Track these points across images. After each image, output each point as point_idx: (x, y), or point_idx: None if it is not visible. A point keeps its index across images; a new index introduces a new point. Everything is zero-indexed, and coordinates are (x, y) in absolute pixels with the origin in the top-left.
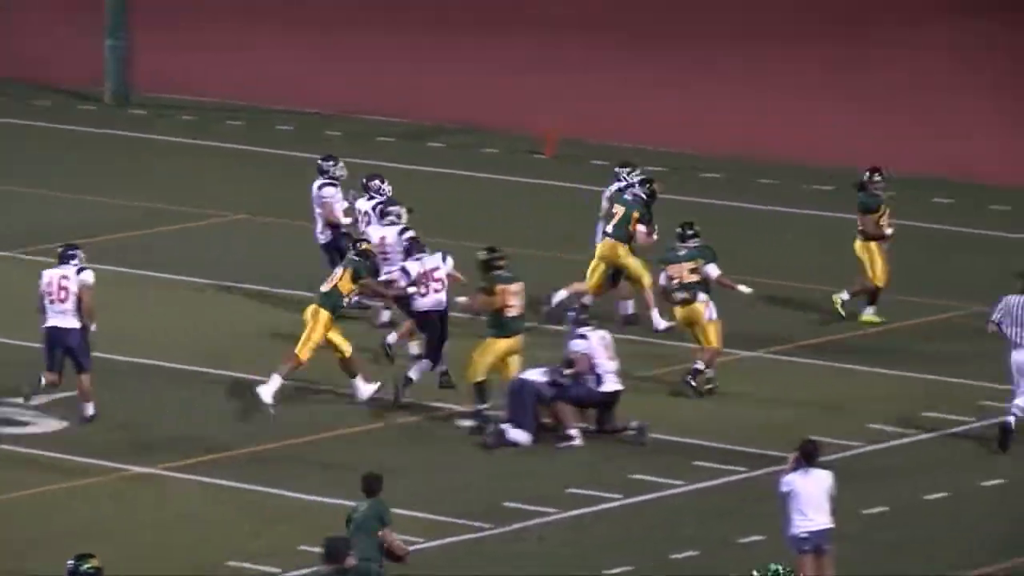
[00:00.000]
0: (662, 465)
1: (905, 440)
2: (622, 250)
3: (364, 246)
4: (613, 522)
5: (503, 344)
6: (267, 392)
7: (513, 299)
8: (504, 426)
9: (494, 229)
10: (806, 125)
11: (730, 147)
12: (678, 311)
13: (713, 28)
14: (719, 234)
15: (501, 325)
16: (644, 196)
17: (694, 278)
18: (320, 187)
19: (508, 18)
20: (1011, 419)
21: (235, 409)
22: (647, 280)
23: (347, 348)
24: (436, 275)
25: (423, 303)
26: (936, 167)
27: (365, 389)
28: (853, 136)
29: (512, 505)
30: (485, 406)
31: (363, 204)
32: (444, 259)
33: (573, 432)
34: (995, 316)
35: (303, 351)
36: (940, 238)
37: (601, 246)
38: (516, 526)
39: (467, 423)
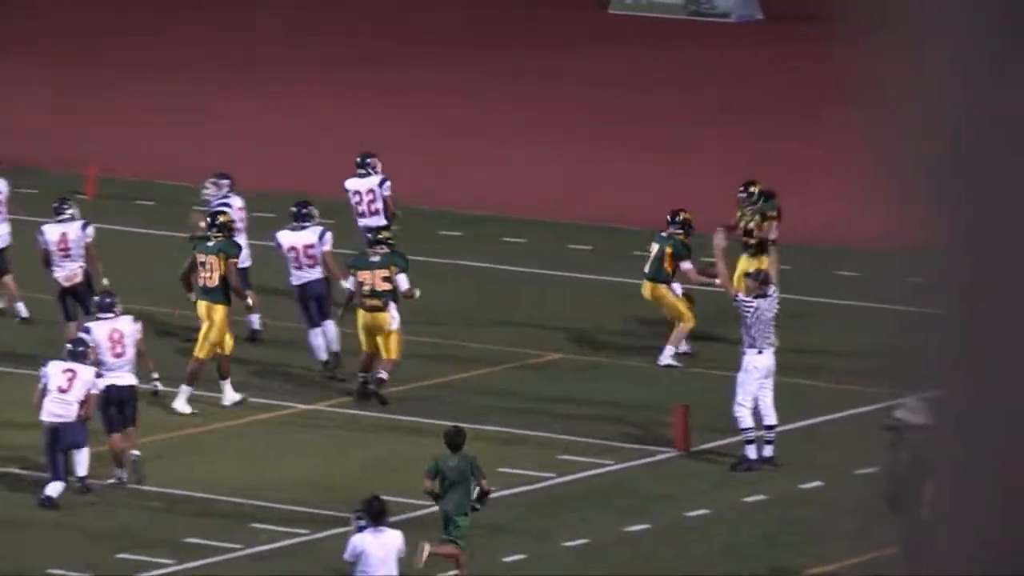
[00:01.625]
0: (218, 528)
1: None
2: (661, 290)
3: (223, 219)
4: None
5: None
6: (180, 405)
7: None
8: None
9: (28, 272)
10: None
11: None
12: (361, 316)
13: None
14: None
15: None
16: (680, 231)
17: (386, 286)
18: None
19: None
20: (762, 448)
21: None
22: (687, 322)
23: (229, 345)
24: (311, 252)
25: (298, 276)
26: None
27: (230, 396)
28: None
29: (54, 572)
30: None
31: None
32: (322, 237)
33: (120, 474)
34: (743, 301)
35: (205, 351)
36: (508, 278)
37: (642, 289)
38: None
39: None
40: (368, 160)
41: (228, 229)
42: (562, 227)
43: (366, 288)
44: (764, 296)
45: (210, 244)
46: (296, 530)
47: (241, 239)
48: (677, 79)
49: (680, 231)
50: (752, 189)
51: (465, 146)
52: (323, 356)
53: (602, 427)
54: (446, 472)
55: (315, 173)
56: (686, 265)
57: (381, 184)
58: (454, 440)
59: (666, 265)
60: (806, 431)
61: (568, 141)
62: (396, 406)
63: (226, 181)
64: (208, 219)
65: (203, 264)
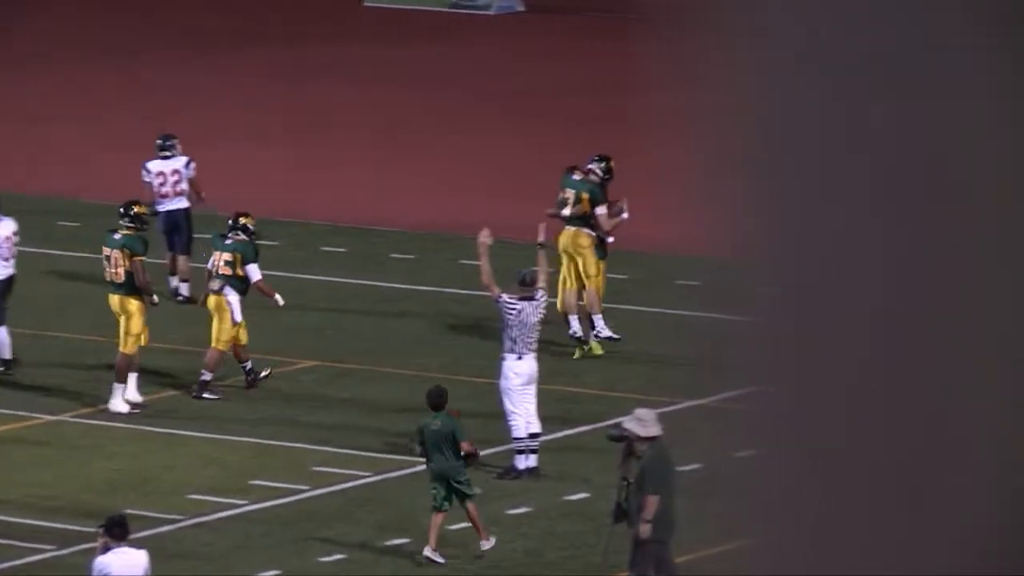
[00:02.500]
0: None
1: (231, 512)
2: (584, 239)
3: (137, 209)
4: None
5: None
6: (117, 404)
7: None
8: None
9: None
10: None
11: None
12: (210, 299)
13: None
14: None
15: None
16: (600, 175)
17: (226, 271)
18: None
19: None
20: (527, 458)
21: None
22: (596, 282)
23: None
24: (9, 244)
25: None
26: None
27: (117, 403)
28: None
29: None
30: None
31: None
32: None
33: None
34: (507, 302)
35: (128, 345)
36: None
37: (562, 236)
38: None
39: None
40: (169, 142)
41: (140, 221)
42: (315, 229)
43: (212, 268)
44: (530, 299)
45: (116, 237)
46: (41, 546)
47: None
48: (435, 75)
49: (601, 175)
50: (612, 165)
51: (215, 146)
52: (6, 355)
53: (359, 437)
54: (428, 434)
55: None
56: (600, 210)
57: (187, 165)
58: (436, 401)
59: (583, 208)
60: (572, 440)
61: (320, 140)
62: (145, 417)
63: None
64: (120, 208)
65: (107, 258)
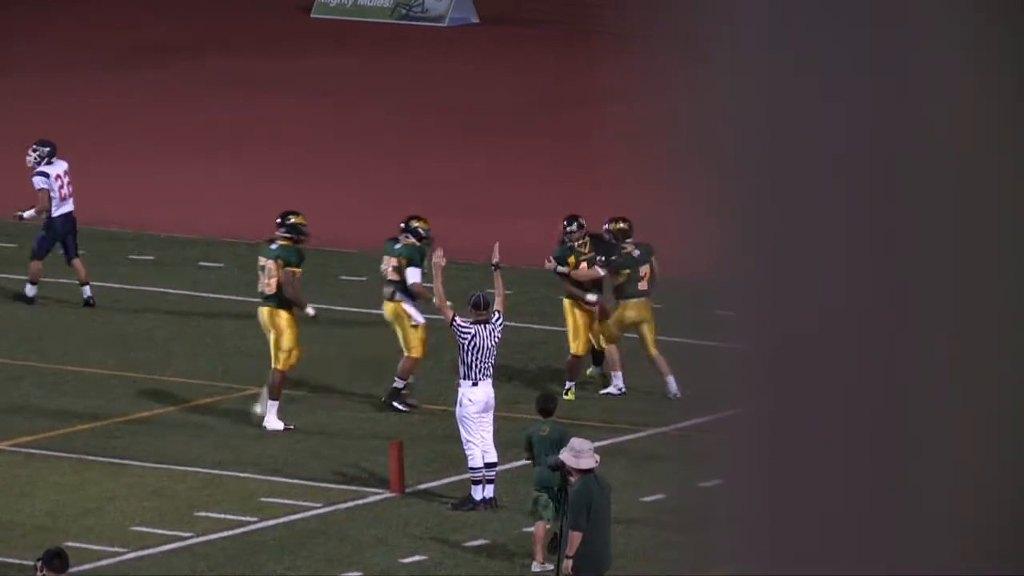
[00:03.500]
0: None
1: (176, 544)
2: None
3: (295, 219)
4: None
5: None
6: (271, 422)
7: None
8: None
9: None
10: None
11: None
12: (386, 307)
13: None
14: None
15: None
16: (607, 237)
17: (395, 276)
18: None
19: None
20: (484, 488)
21: None
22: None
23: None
24: None
25: None
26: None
27: (272, 421)
28: None
29: None
30: None
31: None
32: None
33: None
34: (460, 326)
35: (280, 361)
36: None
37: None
38: None
39: None
40: (49, 147)
41: (297, 231)
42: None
43: (384, 274)
44: (485, 323)
45: (272, 247)
46: None
47: None
48: (388, 89)
49: (607, 237)
50: (582, 221)
51: (158, 162)
52: None
53: (309, 466)
54: (536, 440)
55: None
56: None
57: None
58: (545, 406)
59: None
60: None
61: (268, 156)
62: (86, 445)
63: None
64: (278, 219)
65: (262, 268)
